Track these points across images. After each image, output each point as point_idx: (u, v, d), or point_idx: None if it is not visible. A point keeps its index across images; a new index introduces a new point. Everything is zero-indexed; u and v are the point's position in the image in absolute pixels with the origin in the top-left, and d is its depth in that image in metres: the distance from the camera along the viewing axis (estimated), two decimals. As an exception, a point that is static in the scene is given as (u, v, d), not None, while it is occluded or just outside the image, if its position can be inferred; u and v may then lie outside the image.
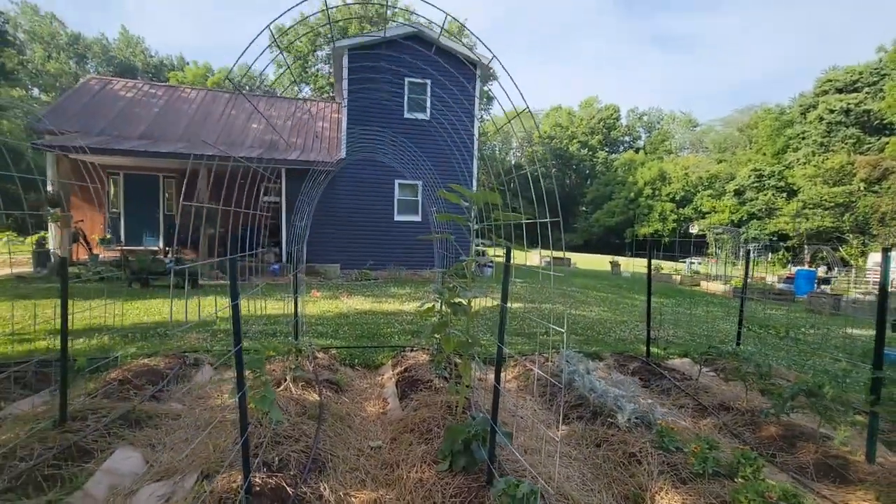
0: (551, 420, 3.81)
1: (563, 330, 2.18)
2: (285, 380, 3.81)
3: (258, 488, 2.41)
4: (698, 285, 16.42)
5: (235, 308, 2.17)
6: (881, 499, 2.73)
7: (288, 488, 2.47)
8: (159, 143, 12.73)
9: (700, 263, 22.89)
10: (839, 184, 34.41)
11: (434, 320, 3.62)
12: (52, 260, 10.56)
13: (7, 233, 13.53)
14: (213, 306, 7.83)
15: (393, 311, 8.05)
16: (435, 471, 2.72)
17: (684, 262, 23.71)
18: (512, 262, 2.57)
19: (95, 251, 11.62)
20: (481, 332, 6.34)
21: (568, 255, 30.06)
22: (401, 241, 13.81)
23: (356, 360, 5.12)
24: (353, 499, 2.59)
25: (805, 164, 37.56)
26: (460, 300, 3.36)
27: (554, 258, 21.55)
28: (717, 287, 15.10)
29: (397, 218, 14.00)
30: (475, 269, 3.61)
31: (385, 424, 3.62)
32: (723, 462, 2.76)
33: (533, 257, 21.06)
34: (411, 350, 5.27)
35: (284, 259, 12.32)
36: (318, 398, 3.76)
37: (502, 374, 2.53)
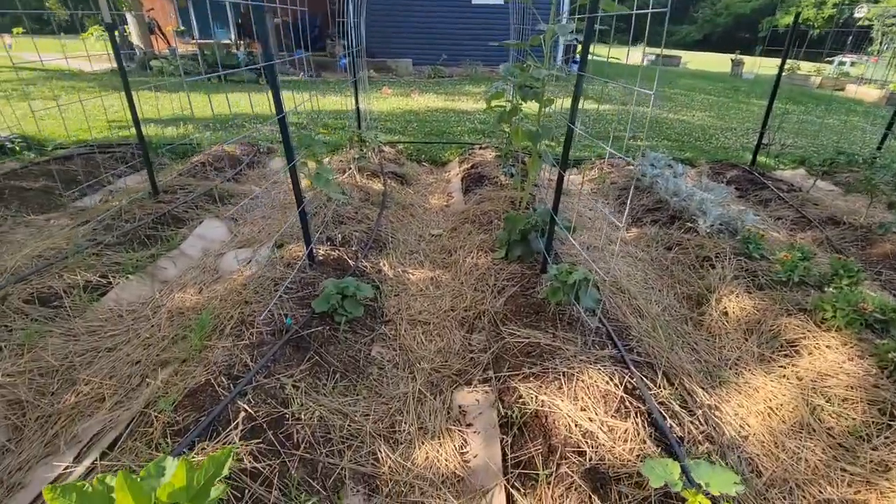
0: (622, 223, 3.58)
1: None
2: (350, 168, 3.83)
3: (321, 258, 2.58)
4: (842, 90, 13.36)
5: (273, 77, 1.95)
6: None
7: (349, 260, 2.62)
8: None
9: (853, 64, 18.21)
10: None
11: (502, 108, 3.21)
12: (138, 54, 10.82)
13: (95, 27, 13.79)
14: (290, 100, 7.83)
15: (465, 110, 7.54)
16: (491, 258, 2.73)
17: (832, 61, 19.07)
18: (596, 29, 1.98)
19: (172, 44, 11.65)
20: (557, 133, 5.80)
21: (678, 53, 25.41)
22: (478, 31, 12.14)
23: (423, 156, 5.00)
24: (409, 275, 2.73)
25: None
26: (533, 81, 2.86)
27: (659, 56, 18.26)
28: (868, 92, 12.18)
29: (475, 1, 12.04)
30: (560, 64, 2.98)
31: (447, 216, 3.63)
32: (814, 273, 2.45)
33: (635, 55, 18.07)
34: (480, 148, 5.00)
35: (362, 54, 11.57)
36: (383, 187, 3.78)
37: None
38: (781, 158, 5.07)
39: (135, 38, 11.21)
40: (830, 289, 2.26)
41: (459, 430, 1.69)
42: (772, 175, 4.68)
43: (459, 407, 1.80)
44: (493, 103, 3.16)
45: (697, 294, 2.53)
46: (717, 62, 22.98)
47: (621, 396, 1.61)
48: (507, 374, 1.81)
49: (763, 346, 2.12)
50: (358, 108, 4.09)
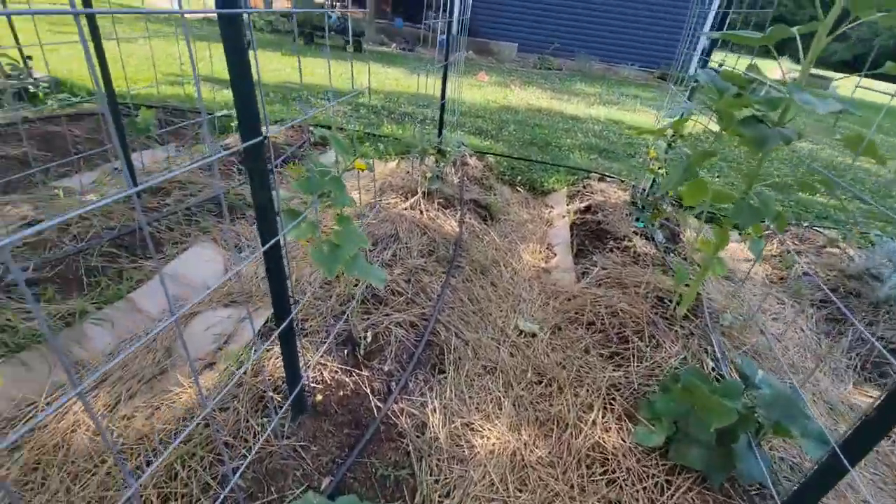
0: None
1: None
2: (415, 193, 2.64)
3: (326, 390, 1.42)
4: None
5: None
6: None
7: (372, 398, 1.45)
8: None
9: None
10: None
11: (666, 136, 1.84)
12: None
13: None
14: (368, 75, 6.81)
15: (576, 116, 6.08)
16: (631, 437, 1.44)
17: None
18: None
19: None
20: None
21: (826, 73, 21.66)
22: (600, 19, 10.38)
23: (518, 177, 3.71)
24: (472, 440, 1.49)
25: None
26: (770, 109, 1.48)
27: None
28: None
29: (608, -15, 10.26)
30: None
31: (547, 294, 2.35)
32: None
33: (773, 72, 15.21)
34: (600, 178, 3.62)
35: (456, 30, 10.31)
36: (458, 229, 2.57)
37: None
38: None
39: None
40: None
41: None
42: None
43: None
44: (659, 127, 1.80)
45: None
46: (882, 88, 19.04)
47: None
48: None
49: None
50: (443, 107, 2.87)
